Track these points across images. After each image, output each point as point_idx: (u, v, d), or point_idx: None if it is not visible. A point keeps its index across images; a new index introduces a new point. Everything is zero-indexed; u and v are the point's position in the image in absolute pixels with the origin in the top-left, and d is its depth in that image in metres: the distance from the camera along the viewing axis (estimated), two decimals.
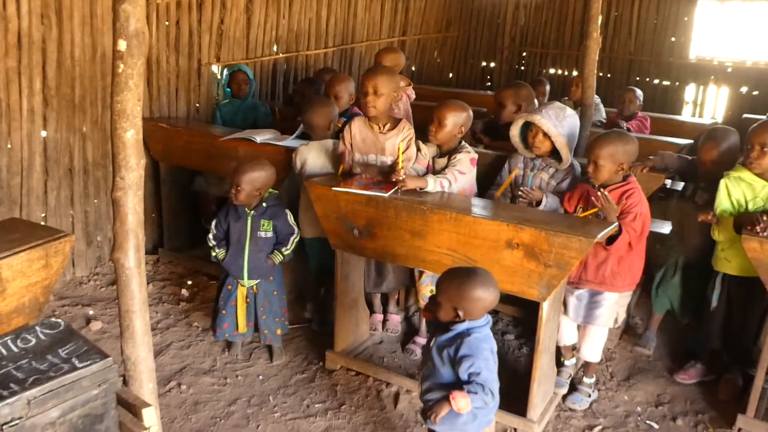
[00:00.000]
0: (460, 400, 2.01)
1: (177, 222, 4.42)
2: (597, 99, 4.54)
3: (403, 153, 2.88)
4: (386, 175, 2.95)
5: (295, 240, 3.13)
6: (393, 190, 2.80)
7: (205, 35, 4.59)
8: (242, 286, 3.12)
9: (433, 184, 2.84)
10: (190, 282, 4.07)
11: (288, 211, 3.12)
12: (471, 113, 3.07)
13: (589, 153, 2.78)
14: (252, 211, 3.07)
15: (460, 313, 2.07)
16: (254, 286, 3.13)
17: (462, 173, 2.94)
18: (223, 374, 3.13)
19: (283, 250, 3.09)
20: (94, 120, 4.03)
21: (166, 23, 4.33)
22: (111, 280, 4.05)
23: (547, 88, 5.16)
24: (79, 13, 3.81)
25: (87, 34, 3.88)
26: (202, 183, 4.41)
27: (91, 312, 3.64)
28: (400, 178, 2.77)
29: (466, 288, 2.06)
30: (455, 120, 3.00)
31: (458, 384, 2.06)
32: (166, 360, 3.20)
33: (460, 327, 2.09)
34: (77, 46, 3.84)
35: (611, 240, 2.68)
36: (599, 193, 2.68)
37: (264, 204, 3.06)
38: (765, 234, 2.52)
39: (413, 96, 4.24)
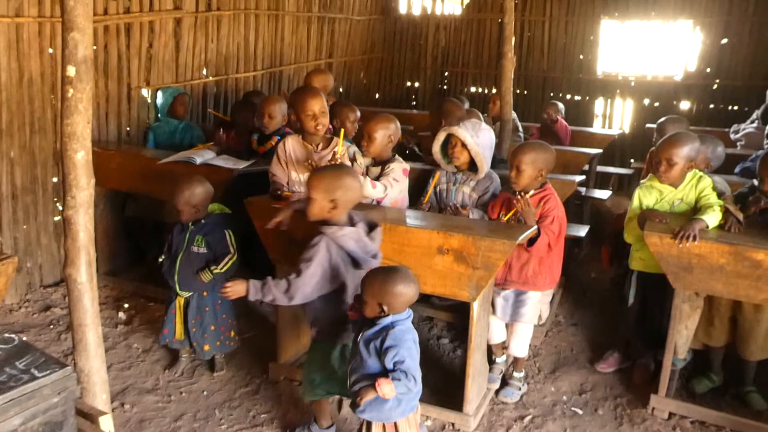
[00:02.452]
0: (385, 386, 2.16)
1: (111, 245, 4.39)
2: (513, 114, 4.86)
3: (341, 149, 3.04)
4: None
5: (231, 262, 3.14)
6: None
7: (134, 59, 4.62)
8: (179, 295, 3.18)
9: (364, 180, 2.99)
10: (127, 305, 4.05)
11: (228, 232, 3.15)
12: (398, 124, 3.27)
13: (512, 159, 3.02)
14: (192, 226, 3.14)
15: (385, 308, 2.24)
16: (188, 299, 3.18)
17: (396, 181, 3.15)
18: (167, 392, 3.15)
19: (213, 268, 3.10)
20: (22, 145, 3.99)
21: (94, 48, 4.34)
22: (43, 306, 3.99)
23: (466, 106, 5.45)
24: (5, 38, 3.78)
25: (13, 59, 3.85)
26: (134, 209, 4.40)
27: (24, 338, 3.57)
28: (338, 160, 2.94)
29: (389, 284, 2.24)
30: (384, 132, 3.19)
31: (384, 373, 2.21)
32: None
33: (385, 321, 2.25)
34: (3, 71, 3.81)
35: (531, 242, 2.91)
36: (518, 197, 2.92)
37: (203, 221, 3.13)
38: (665, 221, 2.81)
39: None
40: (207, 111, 5.38)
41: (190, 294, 3.18)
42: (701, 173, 3.01)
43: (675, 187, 2.99)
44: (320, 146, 3.21)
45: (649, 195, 3.05)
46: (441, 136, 3.34)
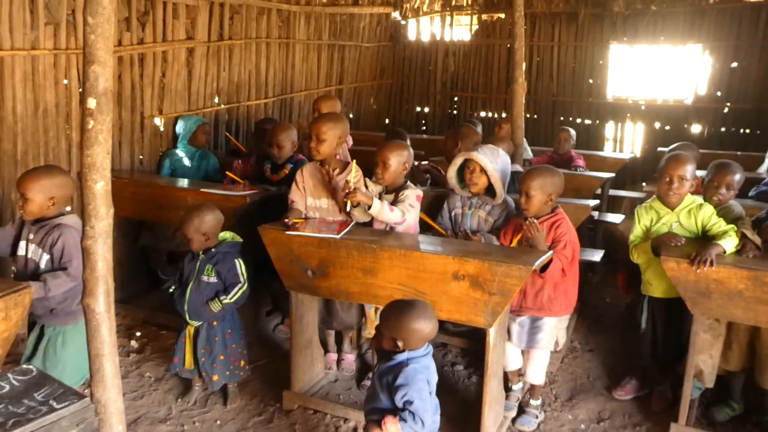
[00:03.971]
0: (391, 426, 2.14)
1: (123, 274, 4.40)
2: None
3: (355, 175, 3.09)
4: (338, 215, 3.12)
5: (240, 292, 3.13)
6: (344, 231, 2.96)
7: (147, 89, 4.69)
8: (189, 324, 3.18)
9: (379, 205, 3.02)
10: (139, 333, 4.04)
11: (239, 261, 3.14)
12: (411, 151, 3.30)
13: (522, 185, 3.03)
14: (202, 255, 3.15)
15: (399, 344, 2.20)
16: (198, 328, 3.17)
17: (412, 207, 3.17)
18: (180, 422, 3.13)
19: (223, 298, 3.09)
20: None
21: None
22: None
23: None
24: (21, 70, 3.85)
25: (29, 90, 3.91)
26: (149, 238, 4.42)
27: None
28: (351, 190, 2.96)
29: (405, 320, 2.19)
30: (398, 159, 3.21)
31: (394, 410, 2.18)
32: None
33: (400, 357, 2.22)
34: (19, 102, 3.87)
35: (544, 268, 2.90)
36: (528, 222, 2.92)
37: (214, 249, 3.13)
38: (681, 243, 2.79)
39: (351, 141, 4.46)
40: (222, 137, 5.44)
41: (200, 323, 3.17)
42: (701, 200, 3.01)
43: (672, 209, 3.00)
44: (336, 171, 3.27)
45: (646, 215, 3.08)
46: (458, 161, 3.36)
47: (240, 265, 3.14)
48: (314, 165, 3.31)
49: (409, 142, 4.35)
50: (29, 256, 2.89)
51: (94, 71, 1.74)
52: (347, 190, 2.98)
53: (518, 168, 4.08)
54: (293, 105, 6.42)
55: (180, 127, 4.75)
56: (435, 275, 2.73)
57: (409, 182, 3.30)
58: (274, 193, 3.78)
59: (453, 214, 3.44)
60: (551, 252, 2.86)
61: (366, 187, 3.27)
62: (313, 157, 3.26)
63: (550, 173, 3.02)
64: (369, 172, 3.32)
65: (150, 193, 4.01)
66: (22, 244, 2.91)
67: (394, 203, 3.18)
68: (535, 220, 2.91)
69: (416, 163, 4.27)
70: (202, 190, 3.82)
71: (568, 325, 3.42)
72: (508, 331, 3.09)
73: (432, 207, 3.62)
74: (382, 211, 3.02)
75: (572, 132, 5.37)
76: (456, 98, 8.10)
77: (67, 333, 2.92)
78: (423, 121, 8.29)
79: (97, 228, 1.81)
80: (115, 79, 4.46)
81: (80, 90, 4.19)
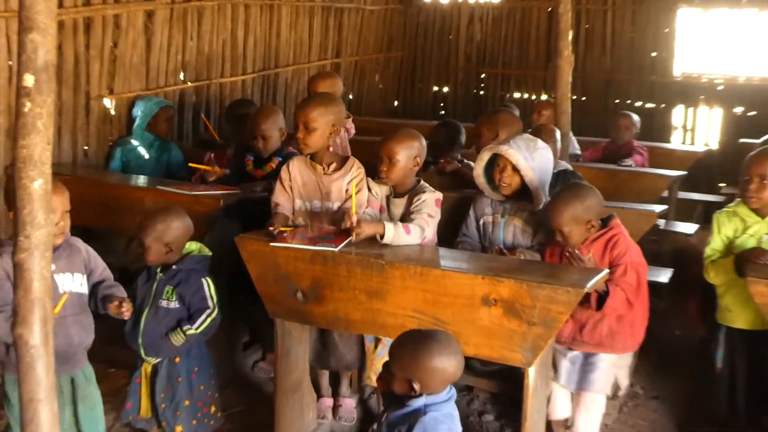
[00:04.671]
0: None
1: None
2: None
3: (356, 194, 3.07)
4: (335, 224, 3.11)
5: (209, 320, 3.07)
6: (344, 242, 2.95)
7: (95, 62, 4.72)
8: (145, 362, 3.13)
9: (393, 232, 3.01)
10: None
11: (207, 281, 3.11)
12: (424, 142, 3.30)
13: (550, 222, 3.05)
14: (161, 273, 3.11)
15: (416, 386, 2.16)
16: (156, 366, 3.11)
17: (431, 217, 3.15)
18: None
19: (187, 328, 3.02)
20: None
21: None
22: None
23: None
24: None
25: None
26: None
27: None
28: (354, 225, 2.93)
29: (422, 356, 2.15)
30: (407, 153, 3.20)
31: None
32: None
33: (416, 403, 2.17)
34: None
35: (601, 302, 2.89)
36: (570, 253, 2.94)
37: (175, 266, 3.09)
38: None
39: (352, 130, 4.46)
40: (187, 123, 5.45)
41: (159, 360, 3.13)
42: None
43: (763, 217, 2.99)
44: (332, 167, 3.26)
45: (728, 223, 3.08)
46: (485, 156, 3.36)
47: (209, 286, 3.10)
48: (304, 159, 3.33)
49: (463, 140, 4.38)
50: None
51: (32, 40, 1.73)
52: (348, 222, 2.96)
53: (565, 165, 4.06)
54: (278, 83, 6.44)
55: (138, 110, 4.77)
56: (460, 300, 2.72)
57: (423, 181, 3.31)
58: (257, 194, 3.80)
59: (481, 222, 3.44)
60: (606, 271, 2.84)
61: (369, 190, 3.28)
62: (301, 150, 3.29)
63: (579, 197, 3.03)
64: (373, 169, 3.32)
65: (97, 193, 4.01)
66: None
67: (406, 214, 3.19)
68: (581, 253, 2.93)
69: (459, 158, 4.25)
70: (162, 189, 3.84)
71: (629, 364, 3.39)
72: (555, 369, 3.08)
73: (455, 213, 3.61)
74: (398, 238, 3.03)
75: (635, 118, 5.35)
76: (483, 75, 8.10)
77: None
78: (441, 105, 8.30)
79: (34, 238, 1.80)
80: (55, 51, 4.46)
81: (11, 64, 4.20)
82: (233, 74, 5.87)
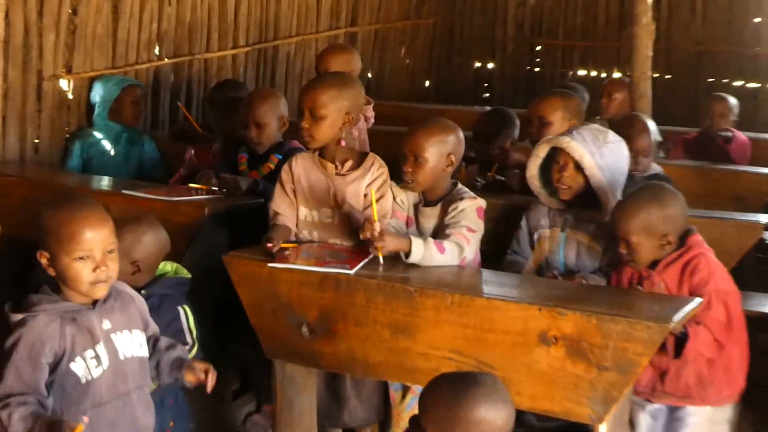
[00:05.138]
0: None
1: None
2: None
3: (377, 200, 3.05)
4: (351, 238, 3.12)
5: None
6: (362, 262, 2.95)
7: (49, 34, 4.75)
8: None
9: (422, 250, 2.98)
10: None
11: (185, 309, 3.12)
12: (461, 134, 3.28)
13: (616, 227, 3.03)
14: None
15: None
16: None
17: (472, 231, 3.12)
18: None
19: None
20: None
21: None
22: None
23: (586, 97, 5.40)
24: None
25: None
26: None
27: None
28: (376, 235, 2.91)
29: (462, 406, 2.11)
30: (439, 149, 3.18)
31: None
32: None
33: None
34: None
35: (679, 347, 2.85)
36: (647, 277, 2.93)
37: (145, 291, 3.04)
38: None
39: (372, 119, 4.44)
40: (164, 109, 5.47)
41: None
42: None
43: None
44: (347, 166, 3.26)
45: None
46: (541, 151, 3.35)
47: (187, 317, 3.11)
48: (311, 156, 3.32)
49: (517, 132, 4.39)
50: None
51: None
52: (369, 232, 2.95)
53: (657, 169, 4.05)
54: (278, 59, 6.46)
55: (97, 93, 4.80)
56: (510, 337, 2.69)
57: (460, 186, 3.30)
58: (246, 199, 3.80)
59: (536, 237, 3.43)
60: (698, 300, 2.80)
61: (393, 196, 3.28)
62: (306, 144, 3.29)
63: (658, 202, 3.01)
64: (396, 169, 3.32)
65: (50, 198, 3.98)
66: None
67: (440, 227, 3.17)
68: (659, 281, 2.93)
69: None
70: (131, 193, 3.85)
71: (730, 418, 3.34)
72: (632, 426, 3.05)
73: (502, 225, 3.60)
74: (429, 258, 3.00)
75: (732, 102, 5.29)
76: (539, 48, 8.08)
77: None
78: (485, 85, 8.29)
79: None
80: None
81: None
82: (221, 48, 5.90)
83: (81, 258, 2.35)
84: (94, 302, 2.45)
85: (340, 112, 3.21)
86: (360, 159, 3.29)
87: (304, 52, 6.65)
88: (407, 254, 2.98)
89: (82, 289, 2.40)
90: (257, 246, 3.14)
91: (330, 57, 4.42)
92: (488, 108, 5.08)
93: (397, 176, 3.29)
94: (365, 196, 3.19)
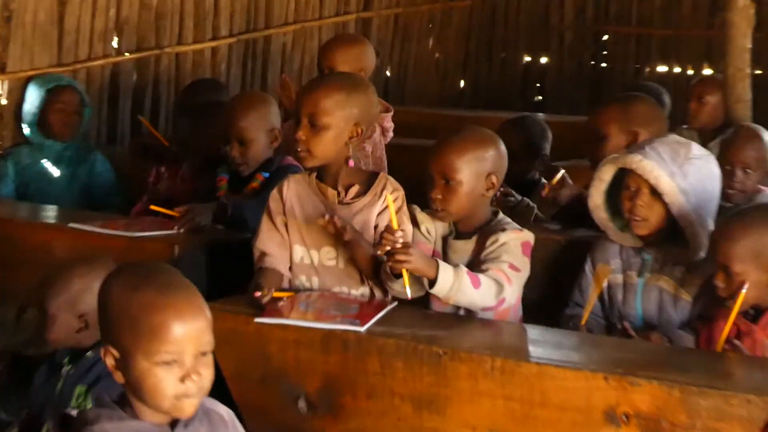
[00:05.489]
0: None
1: None
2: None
3: (395, 213, 3.07)
4: (361, 285, 3.19)
5: None
6: (375, 317, 2.97)
7: None
8: None
9: (452, 278, 2.98)
10: None
11: None
12: (503, 149, 3.31)
13: (714, 250, 3.04)
14: (68, 366, 3.14)
15: None
16: None
17: (516, 270, 3.13)
18: None
19: None
20: None
21: None
22: None
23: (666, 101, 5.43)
24: None
25: None
26: None
27: None
28: (398, 246, 2.91)
29: None
30: (476, 168, 3.21)
31: None
32: None
33: None
34: None
35: None
36: (745, 328, 2.93)
37: (91, 353, 3.10)
38: None
39: (390, 130, 4.47)
40: (124, 119, 5.50)
41: None
42: None
43: None
44: (354, 190, 3.29)
45: None
46: (605, 174, 3.37)
47: None
48: (306, 178, 3.35)
49: (548, 147, 4.50)
50: None
51: None
52: (389, 243, 2.95)
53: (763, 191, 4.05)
54: (270, 53, 6.53)
55: (30, 99, 4.85)
56: (567, 414, 2.70)
57: (502, 215, 3.33)
58: (239, 236, 3.81)
59: (605, 284, 3.42)
60: None
61: (415, 224, 3.30)
62: (302, 161, 3.31)
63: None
64: (415, 193, 3.35)
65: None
66: None
67: (475, 263, 3.18)
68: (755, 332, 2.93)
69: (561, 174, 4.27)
70: (79, 227, 3.87)
71: None
72: None
73: (557, 267, 3.64)
74: (459, 290, 3.00)
75: None
76: (606, 38, 8.11)
77: None
78: (537, 85, 8.31)
79: None
80: None
81: None
82: (197, 39, 5.98)
83: (166, 363, 2.08)
84: (173, 422, 2.20)
85: (348, 122, 3.25)
86: (368, 182, 3.32)
87: (303, 43, 6.70)
88: (432, 282, 2.99)
89: (163, 405, 2.12)
90: (241, 295, 3.17)
91: (336, 51, 4.48)
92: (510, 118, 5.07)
93: (422, 202, 3.33)
94: (376, 227, 3.22)
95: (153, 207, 4.02)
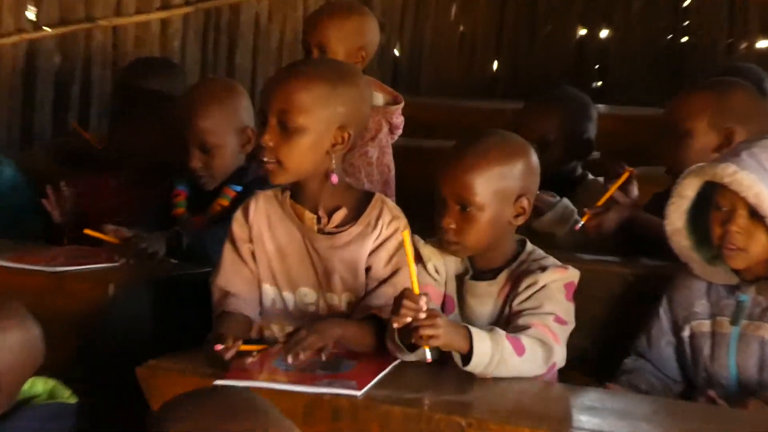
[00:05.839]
0: None
1: None
2: None
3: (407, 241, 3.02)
4: (353, 339, 3.16)
5: None
6: (378, 376, 2.97)
7: None
8: None
9: (490, 348, 2.96)
10: None
11: None
12: (534, 161, 3.28)
13: None
14: None
15: None
16: None
17: (563, 323, 3.13)
18: None
19: None
20: None
21: None
22: None
23: None
24: None
25: None
26: None
27: None
28: (422, 317, 2.86)
29: None
30: (502, 187, 3.20)
31: None
32: None
33: None
34: None
35: None
36: None
37: (6, 422, 3.13)
38: None
39: (400, 127, 4.46)
40: (41, 113, 5.52)
41: None
42: None
43: None
44: (338, 217, 3.28)
45: None
46: (688, 188, 3.34)
47: None
48: (278, 198, 3.33)
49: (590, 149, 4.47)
50: None
51: None
52: (408, 315, 2.90)
53: None
54: (238, 25, 6.55)
55: None
56: None
57: (530, 245, 3.32)
58: (197, 270, 3.84)
59: (687, 333, 3.42)
60: None
61: (421, 263, 3.26)
62: (269, 175, 3.28)
63: None
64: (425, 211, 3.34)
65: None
66: None
67: (502, 317, 3.19)
68: None
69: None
70: None
71: None
72: None
73: (623, 306, 3.61)
74: (501, 363, 2.98)
75: None
76: (688, 2, 8.13)
77: None
78: (596, 67, 8.34)
79: None
80: None
81: None
82: (141, 9, 6.03)
83: None
84: None
85: (330, 125, 3.24)
86: (359, 204, 3.31)
87: (284, 14, 6.73)
88: (466, 356, 2.96)
89: None
90: (198, 349, 3.16)
91: (328, 24, 4.49)
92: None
93: (426, 230, 3.32)
94: (368, 270, 3.21)
95: (87, 231, 4.03)
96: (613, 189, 4.00)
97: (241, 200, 3.61)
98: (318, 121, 3.21)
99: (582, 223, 4.00)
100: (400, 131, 4.49)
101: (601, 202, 4.00)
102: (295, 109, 3.19)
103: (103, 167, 4.63)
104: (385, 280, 3.20)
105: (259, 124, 3.30)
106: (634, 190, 4.04)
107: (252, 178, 4.07)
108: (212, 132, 4.03)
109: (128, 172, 4.44)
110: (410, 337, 2.91)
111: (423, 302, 2.88)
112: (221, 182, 4.11)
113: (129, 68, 5.07)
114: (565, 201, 4.22)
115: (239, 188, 4.05)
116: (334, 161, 3.30)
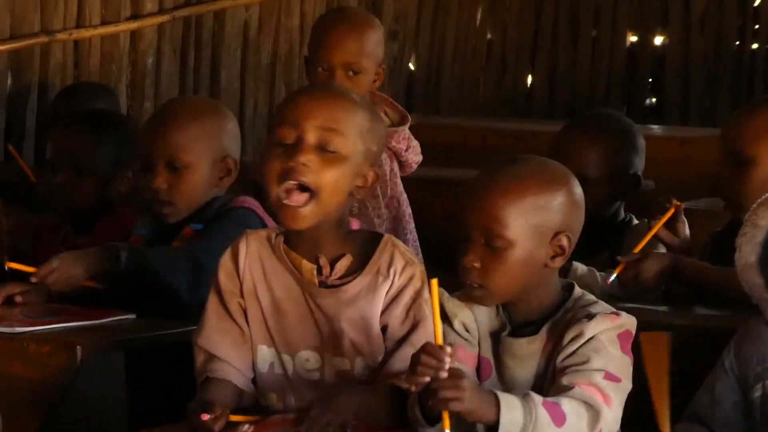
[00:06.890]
0: None
1: None
2: None
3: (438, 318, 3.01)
4: (361, 410, 3.14)
5: None
6: None
7: None
8: None
9: (521, 416, 2.94)
10: None
11: None
12: (578, 192, 3.28)
13: None
14: None
15: None
16: None
17: (615, 380, 3.12)
18: None
19: None
20: None
21: None
22: None
23: None
24: None
25: None
26: None
27: None
28: (444, 377, 2.83)
29: None
30: (536, 221, 3.17)
31: None
32: None
33: None
34: None
35: None
36: None
37: None
38: None
39: (414, 153, 4.51)
40: None
41: None
42: None
43: None
44: (341, 266, 3.27)
45: None
46: (764, 217, 3.33)
47: None
48: (270, 242, 3.31)
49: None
50: None
51: None
52: (428, 373, 2.86)
53: None
54: (222, 36, 6.60)
55: None
56: None
57: (578, 288, 3.34)
58: (179, 328, 3.88)
59: (758, 393, 3.40)
60: None
61: (446, 320, 3.22)
62: (287, 222, 3.23)
63: None
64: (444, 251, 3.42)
65: None
66: None
67: (545, 375, 3.20)
68: None
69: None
70: None
71: None
72: None
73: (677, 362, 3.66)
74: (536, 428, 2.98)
75: None
76: (759, 2, 8.19)
77: None
78: (649, 80, 8.39)
79: None
80: None
81: None
82: (107, 19, 6.11)
83: None
84: None
85: (363, 162, 3.24)
86: (365, 250, 3.30)
87: (276, 23, 6.79)
88: (493, 427, 2.97)
89: None
90: (180, 422, 3.22)
91: (355, 37, 4.56)
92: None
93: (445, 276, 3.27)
94: (385, 329, 3.21)
95: (10, 264, 4.06)
96: (655, 228, 4.04)
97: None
98: (352, 153, 3.19)
99: (615, 276, 4.00)
100: (417, 159, 4.54)
101: (640, 246, 4.04)
102: (333, 129, 3.15)
103: (40, 205, 4.71)
104: (404, 338, 3.17)
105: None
106: (684, 229, 4.07)
107: (217, 211, 4.10)
108: (184, 149, 4.04)
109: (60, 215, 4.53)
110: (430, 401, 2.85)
111: (446, 357, 2.82)
112: (184, 218, 4.12)
113: (62, 95, 5.11)
114: (575, 266, 4.18)
115: (198, 227, 4.08)
116: (350, 207, 3.36)
